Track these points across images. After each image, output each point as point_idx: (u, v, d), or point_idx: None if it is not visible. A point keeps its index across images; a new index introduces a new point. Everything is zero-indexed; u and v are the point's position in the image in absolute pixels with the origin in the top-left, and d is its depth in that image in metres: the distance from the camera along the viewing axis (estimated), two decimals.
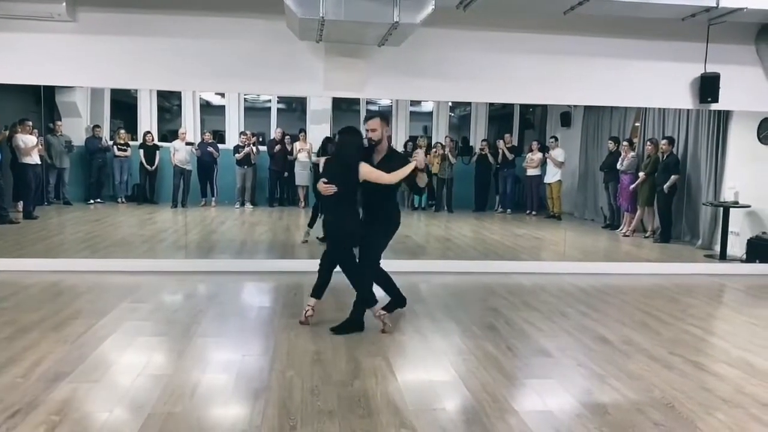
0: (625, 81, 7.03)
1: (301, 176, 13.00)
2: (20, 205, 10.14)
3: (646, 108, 10.36)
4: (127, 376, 3.71)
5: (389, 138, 4.99)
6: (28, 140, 9.92)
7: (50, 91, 12.11)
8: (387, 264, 7.33)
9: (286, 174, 13.05)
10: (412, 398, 3.50)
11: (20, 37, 6.21)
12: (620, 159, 10.36)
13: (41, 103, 11.93)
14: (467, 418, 3.29)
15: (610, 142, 10.88)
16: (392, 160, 4.75)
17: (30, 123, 10.14)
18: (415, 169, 4.60)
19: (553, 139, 12.33)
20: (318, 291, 4.89)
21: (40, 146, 10.33)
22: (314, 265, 6.99)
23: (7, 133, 9.52)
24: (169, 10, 6.36)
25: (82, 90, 12.67)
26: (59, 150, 11.81)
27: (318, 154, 9.39)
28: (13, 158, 9.96)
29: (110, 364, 3.93)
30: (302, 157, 12.89)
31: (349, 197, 4.69)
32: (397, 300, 5.14)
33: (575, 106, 12.36)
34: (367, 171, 4.61)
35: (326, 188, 4.63)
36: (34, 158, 10.06)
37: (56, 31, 6.25)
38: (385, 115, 4.85)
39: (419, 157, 4.61)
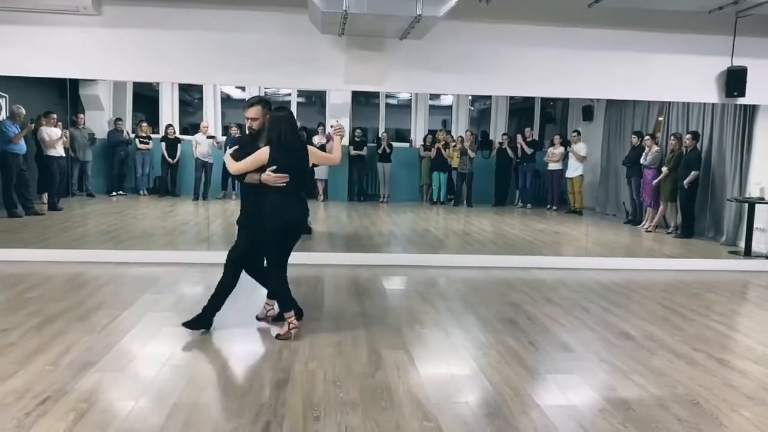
0: (650, 74, 6.95)
1: (320, 170, 13.04)
2: (45, 196, 10.29)
3: (670, 102, 10.23)
4: (152, 366, 3.76)
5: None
6: (52, 133, 10.06)
7: (74, 85, 12.25)
8: (406, 258, 7.38)
9: None
10: (434, 391, 3.51)
11: (46, 31, 6.29)
12: (643, 154, 10.25)
13: (65, 96, 12.08)
14: (489, 411, 3.29)
15: (633, 136, 10.76)
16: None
17: (54, 116, 10.27)
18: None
19: (575, 133, 12.22)
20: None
21: (64, 138, 10.46)
22: (333, 258, 7.09)
23: (33, 126, 9.66)
24: (192, 3, 6.41)
25: (105, 83, 12.80)
26: (82, 143, 11.95)
27: None
28: (38, 151, 10.11)
29: (135, 354, 3.99)
30: None
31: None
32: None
33: (598, 100, 12.23)
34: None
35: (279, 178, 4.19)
36: (59, 150, 10.19)
37: (81, 24, 6.32)
38: (266, 102, 4.41)
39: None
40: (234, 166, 4.22)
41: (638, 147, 10.50)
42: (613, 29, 6.81)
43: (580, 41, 6.81)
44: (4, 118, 9.70)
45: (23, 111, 9.46)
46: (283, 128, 4.22)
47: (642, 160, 10.26)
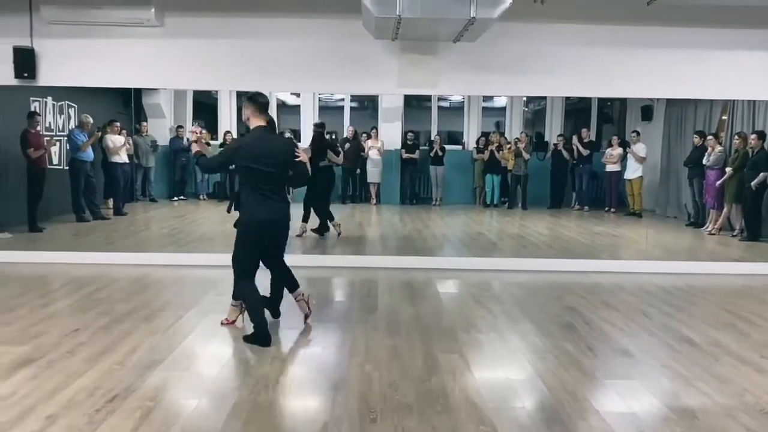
0: (713, 72, 6.74)
1: (373, 173, 13.15)
2: (110, 202, 10.73)
3: (734, 100, 9.87)
4: (214, 366, 3.87)
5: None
6: (116, 140, 10.49)
7: (137, 94, 12.75)
8: (459, 261, 7.35)
9: (358, 171, 13.23)
10: (491, 396, 3.49)
11: (113, 43, 6.57)
12: (706, 154, 9.91)
13: (129, 104, 12.58)
14: (547, 416, 3.24)
15: (695, 136, 10.43)
16: None
17: (118, 124, 10.71)
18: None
19: (634, 134, 11.94)
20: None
21: (128, 145, 10.88)
22: (387, 261, 7.13)
23: (100, 134, 10.08)
24: (249, 12, 6.57)
25: (167, 92, 13.27)
26: (145, 149, 12.42)
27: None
28: (104, 158, 10.55)
29: (198, 354, 4.12)
30: (373, 154, 13.03)
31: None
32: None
33: (657, 99, 11.90)
34: None
35: None
36: (122, 157, 10.62)
37: (145, 36, 6.57)
38: (249, 98, 4.43)
39: None
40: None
41: (700, 147, 10.17)
42: (673, 27, 6.62)
43: (638, 39, 6.65)
44: (74, 127, 10.17)
45: (91, 120, 9.89)
46: None
47: (704, 161, 9.93)
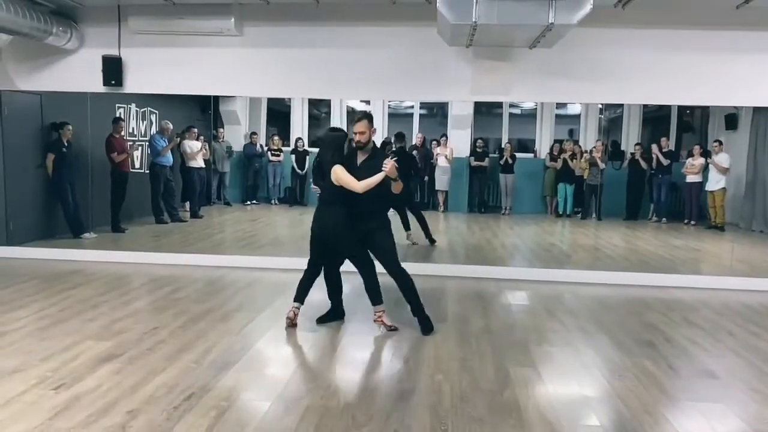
0: None
1: (441, 181, 13.06)
2: (187, 205, 11.10)
3: None
4: (286, 369, 3.93)
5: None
6: (193, 146, 10.84)
7: (215, 101, 13.17)
8: (531, 272, 7.17)
9: (426, 178, 13.18)
10: (566, 413, 3.38)
11: (194, 52, 6.82)
12: None
13: (207, 111, 13.00)
14: None
15: None
16: (376, 158, 4.64)
17: (195, 130, 11.07)
18: (386, 178, 4.48)
19: (716, 143, 11.38)
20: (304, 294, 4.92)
21: (204, 151, 11.24)
22: (456, 270, 7.05)
23: (179, 139, 10.46)
24: (324, 21, 6.68)
25: (242, 99, 13.64)
26: (221, 155, 12.80)
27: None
28: (182, 162, 10.93)
29: (270, 357, 4.19)
30: (441, 161, 12.96)
31: (330, 197, 4.65)
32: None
33: (743, 107, 11.30)
34: (339, 175, 4.52)
35: (315, 189, 4.88)
36: (199, 162, 10.96)
37: (224, 45, 6.78)
38: (370, 116, 4.78)
39: (388, 167, 4.44)
40: (359, 186, 4.54)
41: None
42: (762, 30, 6.28)
43: (726, 44, 6.35)
44: (154, 132, 10.59)
45: (171, 126, 10.28)
46: None
47: None
